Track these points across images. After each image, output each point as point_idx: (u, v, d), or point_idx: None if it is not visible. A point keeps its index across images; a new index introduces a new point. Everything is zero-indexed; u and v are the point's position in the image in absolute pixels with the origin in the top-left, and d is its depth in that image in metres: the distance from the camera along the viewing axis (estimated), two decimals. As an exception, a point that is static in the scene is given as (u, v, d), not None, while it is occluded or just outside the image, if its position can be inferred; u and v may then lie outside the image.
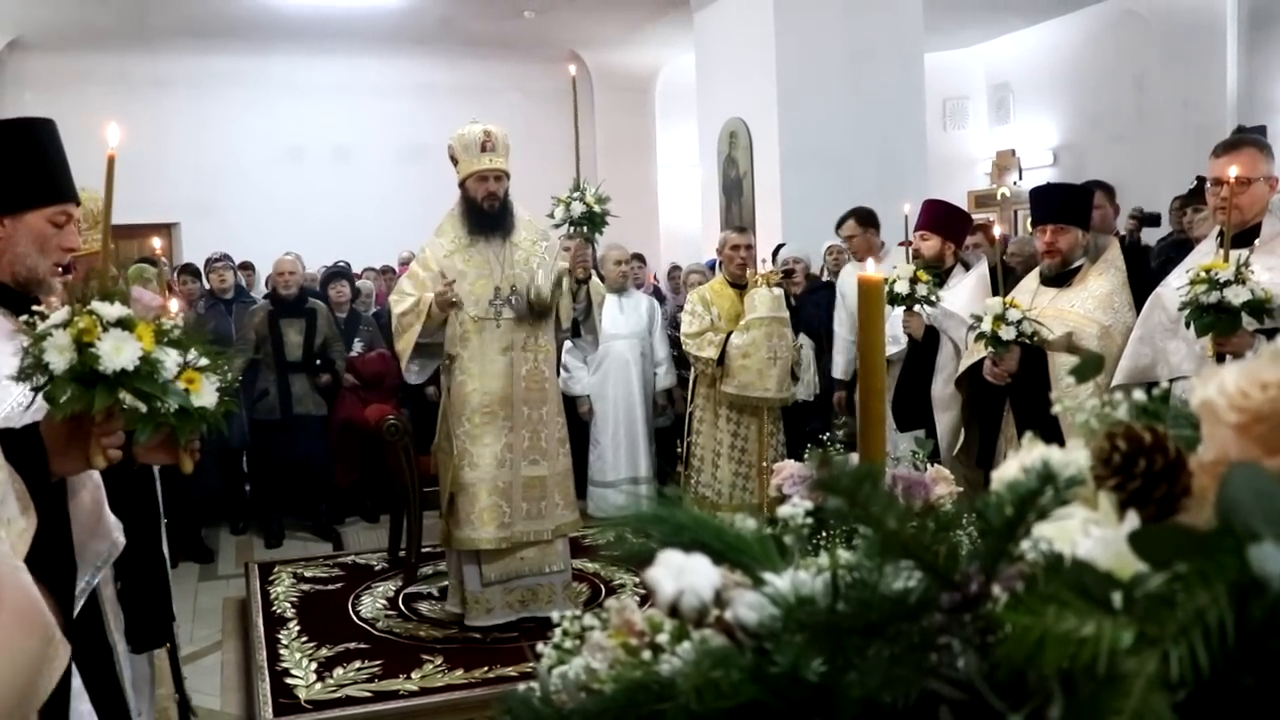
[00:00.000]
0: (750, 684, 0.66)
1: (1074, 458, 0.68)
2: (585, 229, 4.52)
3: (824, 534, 1.09)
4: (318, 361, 6.84)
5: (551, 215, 4.55)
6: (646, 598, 0.82)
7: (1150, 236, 7.93)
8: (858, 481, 0.64)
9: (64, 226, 2.16)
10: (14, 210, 2.11)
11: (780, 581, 0.70)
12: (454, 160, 4.75)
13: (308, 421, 6.80)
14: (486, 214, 4.72)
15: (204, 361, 1.87)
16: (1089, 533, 0.64)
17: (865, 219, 6.02)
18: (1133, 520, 0.63)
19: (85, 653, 2.07)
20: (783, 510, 1.00)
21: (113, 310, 1.75)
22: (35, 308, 1.81)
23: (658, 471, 6.88)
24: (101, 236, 1.93)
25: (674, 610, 0.76)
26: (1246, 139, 4.20)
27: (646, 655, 0.76)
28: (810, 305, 6.34)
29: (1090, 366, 0.84)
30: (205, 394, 1.85)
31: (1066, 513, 0.65)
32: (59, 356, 1.70)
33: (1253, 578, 0.54)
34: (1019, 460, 0.71)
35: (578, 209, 4.45)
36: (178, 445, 1.90)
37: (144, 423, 1.77)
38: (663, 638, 0.76)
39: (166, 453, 1.95)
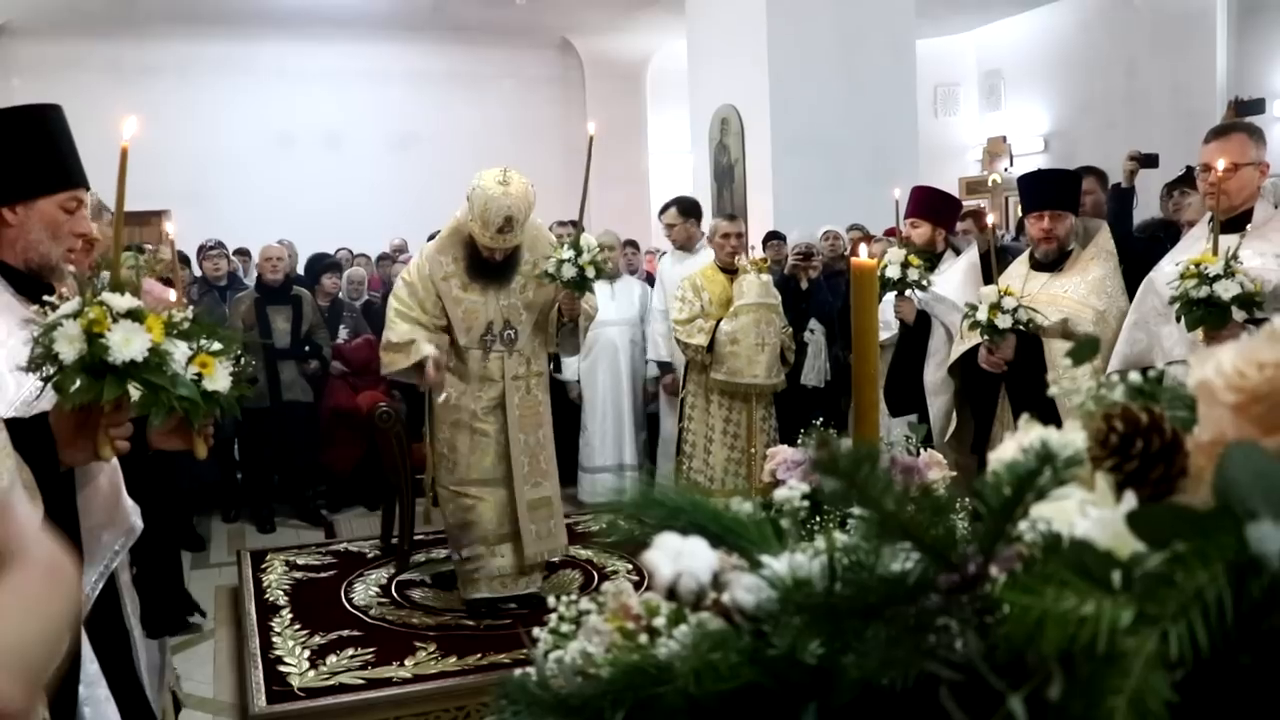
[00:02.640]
0: (748, 666, 0.66)
1: (1071, 439, 0.68)
2: (575, 289, 4.38)
3: (818, 519, 1.09)
4: (306, 348, 6.83)
5: (547, 258, 4.36)
6: (640, 584, 0.82)
7: (1146, 181, 7.15)
8: (856, 462, 0.64)
9: (75, 212, 2.16)
10: (26, 197, 2.11)
11: (778, 564, 0.70)
12: (469, 206, 4.41)
13: (297, 408, 6.80)
14: (489, 262, 4.56)
15: (216, 346, 1.87)
16: (1086, 513, 0.64)
17: (687, 210, 6.21)
18: (1130, 501, 0.63)
19: (103, 638, 2.07)
20: (779, 493, 1.00)
21: (123, 301, 1.76)
22: (47, 298, 1.82)
23: (653, 455, 6.88)
24: (114, 229, 1.93)
25: (672, 593, 0.76)
26: (1238, 124, 4.21)
27: (643, 639, 0.76)
28: (823, 291, 6.32)
29: (1087, 349, 0.84)
30: (218, 378, 1.85)
31: (1063, 493, 0.65)
32: (69, 347, 1.71)
33: (1251, 557, 0.54)
34: (1016, 441, 0.71)
35: (569, 271, 4.26)
36: (191, 430, 1.90)
37: (158, 408, 1.77)
38: (660, 621, 0.76)
39: (181, 438, 1.95)
